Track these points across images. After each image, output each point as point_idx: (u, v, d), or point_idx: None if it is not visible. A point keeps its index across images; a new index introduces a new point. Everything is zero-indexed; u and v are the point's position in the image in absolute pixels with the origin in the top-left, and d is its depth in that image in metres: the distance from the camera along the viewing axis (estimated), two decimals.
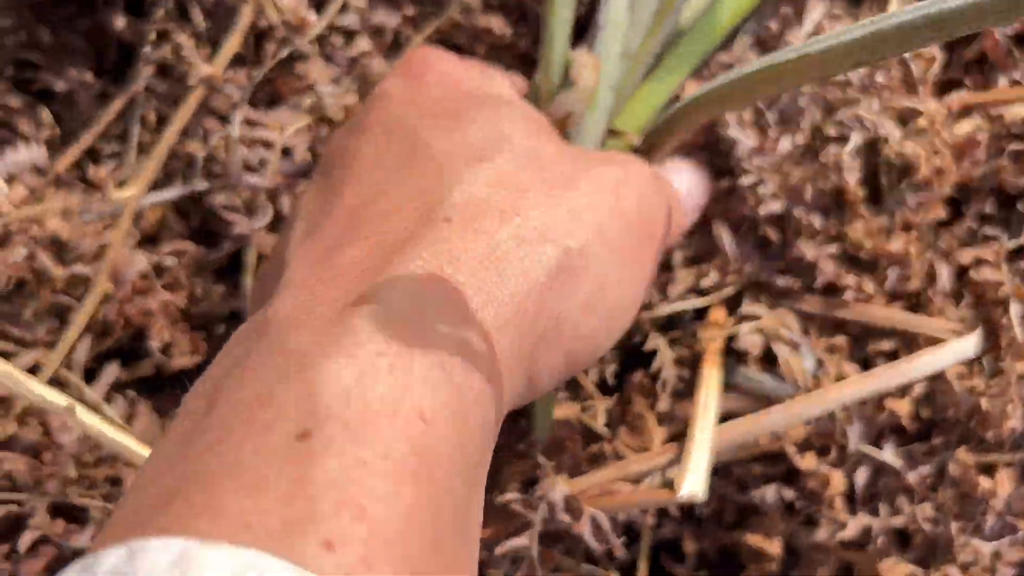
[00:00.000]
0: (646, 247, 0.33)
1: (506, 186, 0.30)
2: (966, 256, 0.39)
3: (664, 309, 0.40)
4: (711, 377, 0.40)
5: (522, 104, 0.35)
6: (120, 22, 0.46)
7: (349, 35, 0.46)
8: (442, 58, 0.37)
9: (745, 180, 0.38)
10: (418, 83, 0.35)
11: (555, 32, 0.37)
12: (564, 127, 0.37)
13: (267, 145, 0.43)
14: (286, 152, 0.44)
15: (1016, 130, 0.40)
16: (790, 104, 0.39)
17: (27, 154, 0.42)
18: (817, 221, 0.39)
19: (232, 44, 0.43)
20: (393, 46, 0.48)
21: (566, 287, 0.30)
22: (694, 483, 0.37)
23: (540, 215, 0.30)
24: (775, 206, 0.39)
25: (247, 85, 0.44)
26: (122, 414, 0.45)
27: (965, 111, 0.40)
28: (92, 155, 0.48)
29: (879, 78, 0.39)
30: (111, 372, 0.45)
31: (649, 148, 0.38)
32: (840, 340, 0.40)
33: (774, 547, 0.44)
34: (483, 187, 0.30)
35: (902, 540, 0.44)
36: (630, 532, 0.45)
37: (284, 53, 0.45)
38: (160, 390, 0.47)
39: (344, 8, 0.46)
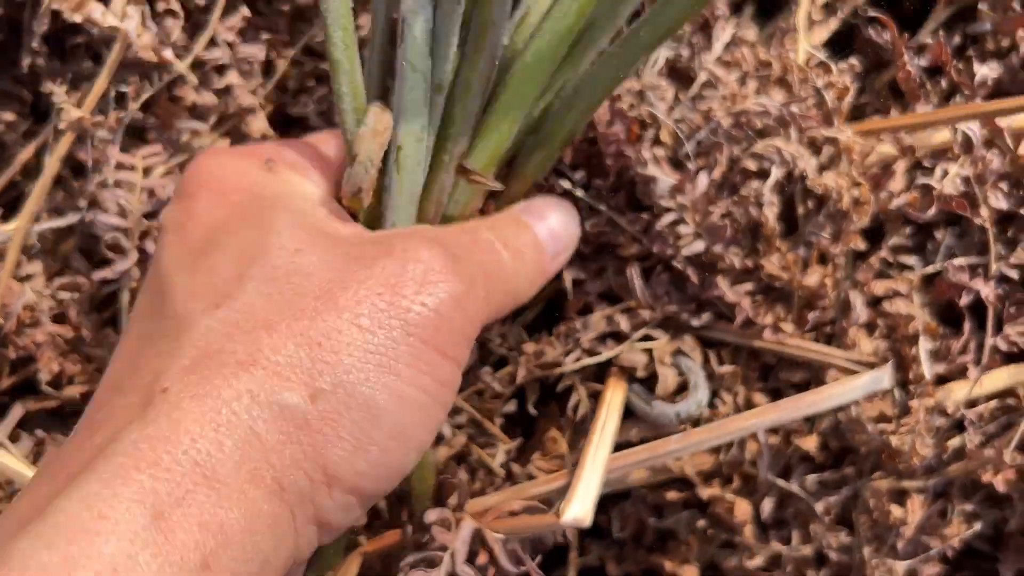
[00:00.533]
0: (438, 343, 0.30)
1: (247, 327, 0.28)
2: (880, 288, 0.39)
3: (572, 365, 0.40)
4: (612, 407, 0.39)
5: (295, 202, 0.33)
6: (25, 61, 0.45)
7: (220, 68, 0.45)
8: (220, 165, 0.34)
9: (664, 219, 0.38)
10: (189, 208, 0.33)
11: (342, 89, 0.33)
12: (360, 204, 0.34)
13: (132, 188, 0.42)
14: (152, 193, 0.43)
15: (928, 163, 0.40)
16: (708, 136, 0.39)
17: None
18: (736, 260, 0.38)
19: (99, 85, 0.42)
20: (267, 70, 0.47)
21: (323, 434, 0.28)
22: (579, 509, 0.36)
23: (284, 358, 0.28)
24: (696, 246, 0.38)
25: (116, 127, 0.43)
26: (27, 452, 0.45)
27: (879, 140, 0.40)
28: (14, 192, 0.47)
29: (794, 108, 0.39)
30: (17, 411, 0.45)
31: (511, 181, 0.36)
32: (748, 370, 0.40)
33: (690, 572, 0.44)
34: (218, 337, 0.28)
35: (817, 559, 0.44)
36: (558, 555, 0.45)
37: (147, 94, 0.43)
38: (66, 421, 0.47)
39: (212, 42, 0.44)
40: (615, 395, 0.39)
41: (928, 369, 0.38)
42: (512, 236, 0.35)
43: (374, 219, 0.35)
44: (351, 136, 0.33)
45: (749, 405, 0.39)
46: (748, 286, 0.39)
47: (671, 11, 0.32)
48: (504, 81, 0.34)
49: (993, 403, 0.41)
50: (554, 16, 0.33)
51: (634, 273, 0.40)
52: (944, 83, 0.40)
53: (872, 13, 0.42)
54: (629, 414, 0.40)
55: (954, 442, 0.42)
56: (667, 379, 0.38)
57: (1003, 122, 0.40)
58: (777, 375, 0.40)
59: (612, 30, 0.34)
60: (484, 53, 0.33)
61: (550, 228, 0.36)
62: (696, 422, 0.39)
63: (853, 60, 0.41)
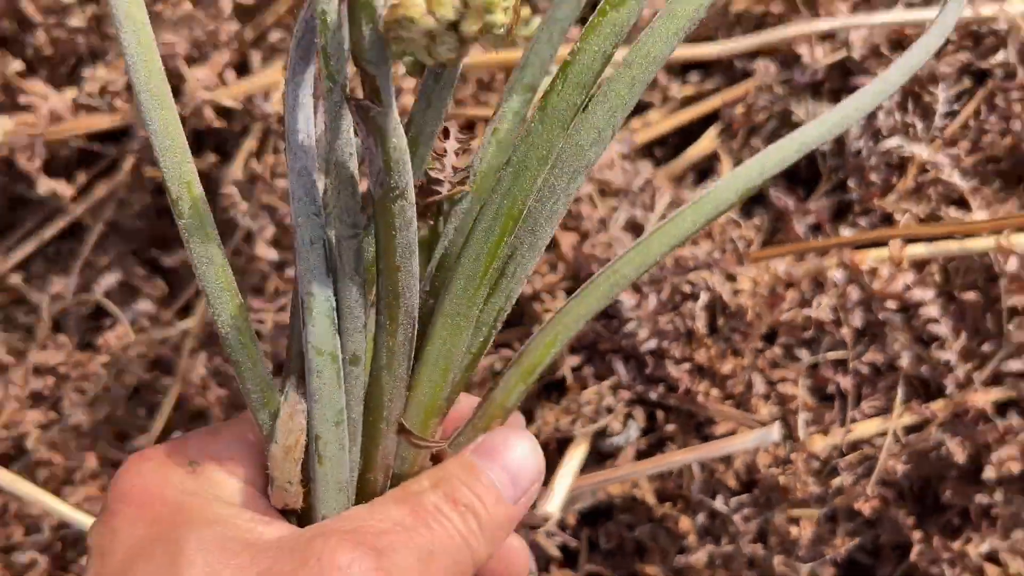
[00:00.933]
0: None
1: None
2: (776, 375, 0.59)
3: (580, 430, 0.60)
4: (580, 443, 0.59)
5: (217, 511, 0.32)
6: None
7: None
8: (142, 474, 0.33)
9: (628, 327, 0.58)
10: (111, 527, 0.32)
11: (247, 386, 0.33)
12: (295, 507, 0.33)
13: None
14: None
15: (808, 295, 0.60)
16: (657, 271, 0.59)
17: (144, 306, 0.63)
18: (677, 351, 0.59)
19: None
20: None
21: None
22: (549, 506, 0.55)
23: None
24: (651, 344, 0.58)
25: None
26: None
27: (776, 273, 0.60)
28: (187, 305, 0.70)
29: (716, 254, 0.60)
30: None
31: (487, 410, 0.35)
32: (687, 425, 0.60)
33: (657, 571, 0.63)
34: None
35: (749, 562, 0.63)
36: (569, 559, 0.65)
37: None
38: None
39: None
40: (584, 438, 0.59)
41: (804, 432, 0.58)
42: (463, 490, 0.33)
43: (305, 511, 0.34)
44: (267, 432, 0.33)
45: (684, 445, 0.59)
46: (686, 366, 0.59)
47: (649, 253, 0.35)
48: (428, 332, 0.34)
49: (858, 452, 0.60)
50: (467, 257, 0.33)
51: (620, 364, 0.60)
52: (821, 238, 0.60)
53: (775, 192, 0.63)
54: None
55: (836, 481, 0.61)
56: (615, 427, 0.58)
57: (863, 266, 0.60)
58: (705, 428, 0.60)
59: (537, 254, 0.34)
60: (399, 320, 0.32)
61: (509, 469, 0.34)
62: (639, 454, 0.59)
63: (756, 219, 0.62)
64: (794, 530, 0.61)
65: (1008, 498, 0.60)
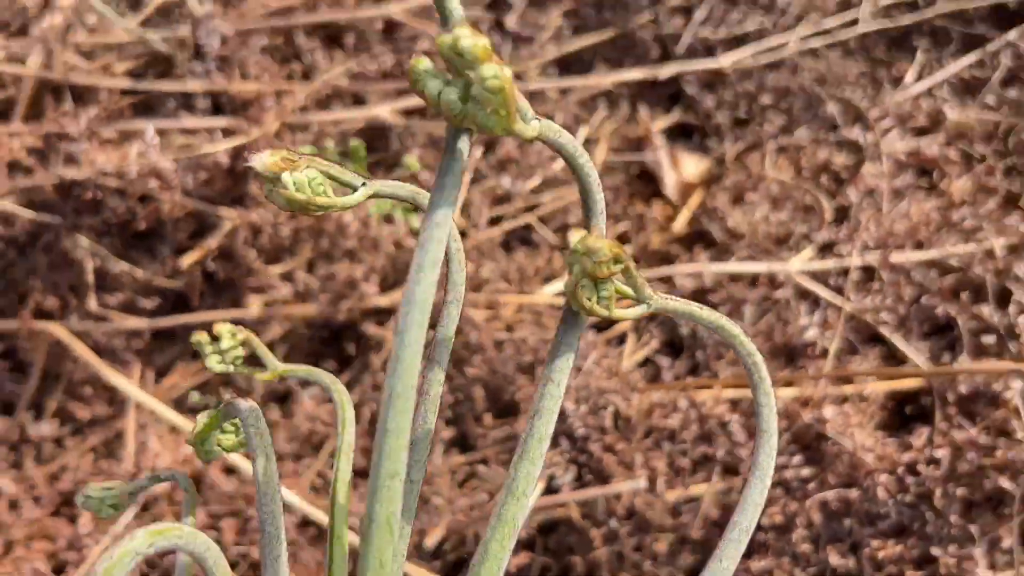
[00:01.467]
0: None
1: None
2: (648, 455, 1.09)
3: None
4: (539, 484, 1.09)
5: None
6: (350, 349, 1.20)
7: None
8: None
9: (569, 421, 1.09)
10: None
11: None
12: None
13: None
14: None
15: (668, 412, 1.10)
16: (592, 400, 1.10)
17: (315, 390, 1.15)
18: (595, 436, 1.09)
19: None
20: None
21: None
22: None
23: None
24: (581, 431, 1.09)
25: None
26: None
27: (655, 402, 1.11)
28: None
29: (619, 386, 1.11)
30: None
31: None
32: (595, 476, 1.09)
33: (579, 561, 1.11)
34: None
35: (633, 564, 1.11)
36: (530, 547, 1.13)
37: None
38: None
39: None
40: (542, 479, 1.09)
41: (662, 487, 1.07)
42: None
43: None
44: None
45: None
46: (599, 444, 1.09)
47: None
48: None
49: (694, 502, 1.09)
50: None
51: (564, 440, 1.10)
52: (679, 382, 1.12)
53: (658, 357, 1.15)
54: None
55: (682, 517, 1.10)
56: (559, 474, 1.08)
57: (699, 399, 1.10)
58: (608, 479, 1.09)
59: None
60: None
61: None
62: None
63: (642, 371, 1.13)
64: (657, 545, 1.09)
65: (776, 537, 1.08)
